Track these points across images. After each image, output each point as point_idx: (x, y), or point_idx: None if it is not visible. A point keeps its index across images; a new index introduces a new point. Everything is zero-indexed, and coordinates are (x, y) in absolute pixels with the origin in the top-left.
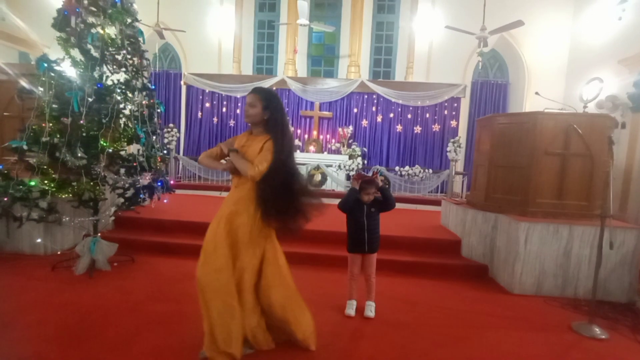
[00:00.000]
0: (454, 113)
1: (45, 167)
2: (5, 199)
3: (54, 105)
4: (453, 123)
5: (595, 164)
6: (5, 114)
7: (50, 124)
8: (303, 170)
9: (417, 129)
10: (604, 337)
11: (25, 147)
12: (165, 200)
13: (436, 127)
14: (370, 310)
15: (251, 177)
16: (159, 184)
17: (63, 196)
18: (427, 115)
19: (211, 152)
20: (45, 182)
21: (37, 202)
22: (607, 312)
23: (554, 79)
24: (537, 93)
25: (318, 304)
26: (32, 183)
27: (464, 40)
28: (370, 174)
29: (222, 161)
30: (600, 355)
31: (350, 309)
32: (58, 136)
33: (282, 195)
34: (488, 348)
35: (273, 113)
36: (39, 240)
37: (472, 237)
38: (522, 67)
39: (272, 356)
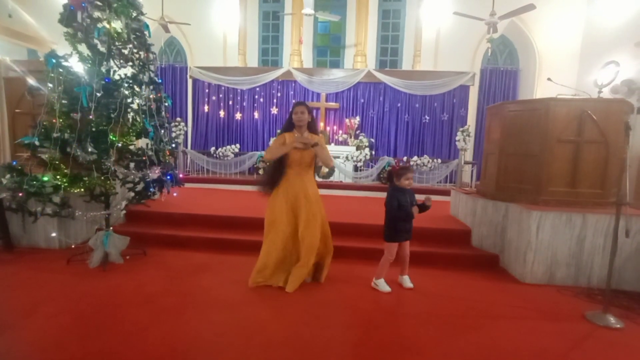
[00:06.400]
0: (462, 101)
1: (57, 162)
2: (20, 194)
3: (63, 101)
4: (462, 112)
5: (611, 150)
6: (16, 110)
7: (61, 120)
8: None
9: (425, 119)
10: (619, 326)
11: (37, 143)
12: (174, 194)
13: (445, 116)
14: (409, 281)
15: (332, 167)
16: (169, 177)
17: (75, 191)
18: (436, 104)
19: (277, 144)
20: (58, 177)
21: (50, 197)
22: (621, 301)
23: (567, 65)
24: (549, 79)
25: (333, 298)
26: (45, 178)
27: (473, 26)
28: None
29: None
30: (615, 345)
31: (387, 286)
32: (68, 132)
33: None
34: (500, 338)
35: (312, 116)
36: (53, 234)
37: (482, 227)
38: (533, 53)
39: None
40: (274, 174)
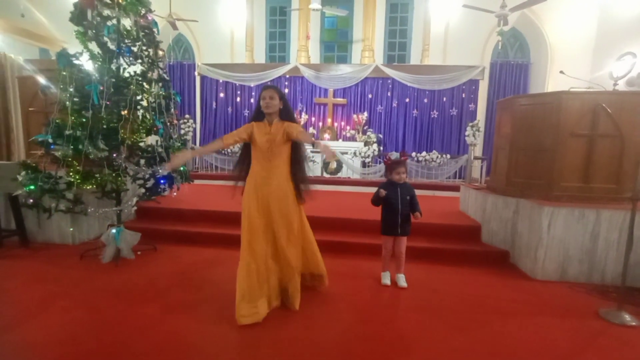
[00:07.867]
0: (472, 96)
1: (69, 159)
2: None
3: (75, 99)
4: (471, 106)
5: (626, 144)
6: (30, 109)
7: (72, 118)
8: (318, 159)
9: (434, 114)
10: (634, 324)
11: (50, 140)
12: (189, 184)
13: (454, 111)
14: (403, 280)
15: (310, 140)
16: (178, 174)
17: (87, 187)
18: (444, 99)
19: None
20: (71, 174)
21: (64, 193)
22: (637, 299)
23: (580, 57)
24: (562, 72)
25: (341, 294)
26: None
27: (483, 19)
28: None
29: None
30: (630, 343)
31: (386, 279)
32: (80, 129)
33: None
34: (510, 334)
35: (285, 102)
36: (71, 229)
37: (492, 223)
38: (544, 46)
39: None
40: (240, 167)
